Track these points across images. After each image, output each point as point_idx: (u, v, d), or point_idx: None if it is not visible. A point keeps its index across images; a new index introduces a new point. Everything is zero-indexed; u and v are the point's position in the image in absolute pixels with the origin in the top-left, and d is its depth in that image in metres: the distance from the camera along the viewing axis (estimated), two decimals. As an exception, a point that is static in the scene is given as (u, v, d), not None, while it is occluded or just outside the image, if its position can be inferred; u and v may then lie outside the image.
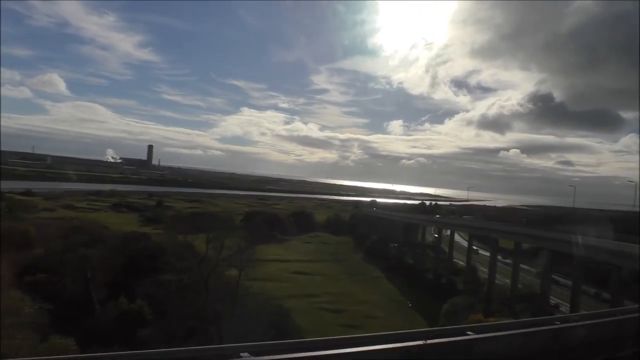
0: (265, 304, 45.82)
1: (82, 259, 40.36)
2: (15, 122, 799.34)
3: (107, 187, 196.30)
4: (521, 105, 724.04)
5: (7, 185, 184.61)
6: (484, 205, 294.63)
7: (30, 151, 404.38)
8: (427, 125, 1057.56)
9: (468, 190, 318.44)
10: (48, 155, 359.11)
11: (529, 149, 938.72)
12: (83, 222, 75.76)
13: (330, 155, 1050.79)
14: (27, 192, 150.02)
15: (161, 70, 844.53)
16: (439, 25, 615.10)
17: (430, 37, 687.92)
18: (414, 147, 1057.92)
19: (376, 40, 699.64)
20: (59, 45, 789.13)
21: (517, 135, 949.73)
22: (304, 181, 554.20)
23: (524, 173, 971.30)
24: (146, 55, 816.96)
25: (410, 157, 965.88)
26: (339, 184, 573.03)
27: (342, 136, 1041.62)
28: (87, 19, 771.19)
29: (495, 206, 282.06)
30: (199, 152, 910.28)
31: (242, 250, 53.51)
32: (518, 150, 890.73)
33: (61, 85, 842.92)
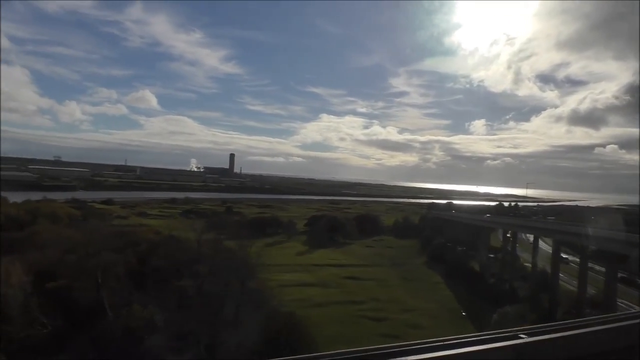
0: (278, 311, 42.67)
1: (96, 265, 39.53)
2: (113, 137, 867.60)
3: (183, 195, 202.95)
4: (617, 98, 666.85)
5: (96, 195, 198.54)
6: (575, 206, 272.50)
7: (123, 163, 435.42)
8: (511, 123, 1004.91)
9: (526, 187, 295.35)
10: (138, 167, 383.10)
11: (629, 144, 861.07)
12: (135, 229, 77.26)
13: (410, 158, 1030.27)
14: (108, 201, 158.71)
15: (244, 82, 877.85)
16: (521, 20, 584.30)
17: (512, 32, 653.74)
18: (498, 146, 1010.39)
19: (454, 39, 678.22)
20: (150, 63, 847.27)
21: (614, 130, 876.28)
22: (383, 185, 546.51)
23: (624, 170, 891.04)
24: (230, 68, 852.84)
25: (495, 157, 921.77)
26: (419, 187, 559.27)
27: (422, 138, 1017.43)
28: (176, 37, 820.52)
29: (588, 206, 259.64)
30: (280, 159, 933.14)
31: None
32: (616, 146, 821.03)
33: (153, 101, 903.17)
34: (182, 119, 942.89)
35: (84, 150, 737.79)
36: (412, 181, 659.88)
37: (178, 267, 45.36)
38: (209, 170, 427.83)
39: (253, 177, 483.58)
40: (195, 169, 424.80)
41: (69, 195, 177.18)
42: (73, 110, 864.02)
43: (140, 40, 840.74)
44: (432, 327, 51.01)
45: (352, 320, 53.29)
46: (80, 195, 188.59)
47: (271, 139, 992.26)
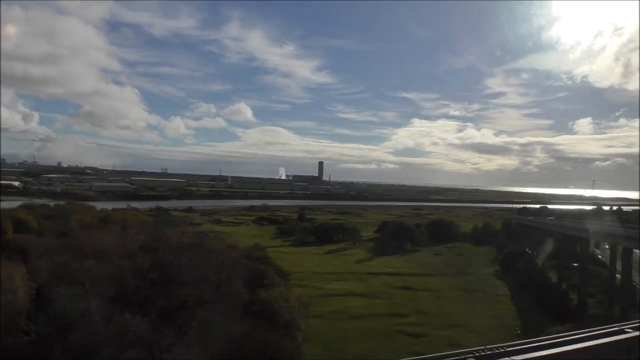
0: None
1: (85, 271, 38.33)
2: (214, 149, 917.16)
3: (263, 202, 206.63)
4: None
5: (185, 203, 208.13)
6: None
7: (218, 174, 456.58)
8: (622, 120, 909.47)
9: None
10: (229, 176, 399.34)
11: None
12: (188, 235, 77.64)
13: (509, 162, 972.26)
14: (188, 209, 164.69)
15: (336, 90, 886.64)
16: (630, 6, 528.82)
17: (620, 21, 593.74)
18: (609, 146, 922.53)
19: (552, 33, 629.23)
20: (247, 77, 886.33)
21: None
22: (477, 190, 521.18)
23: None
24: (322, 78, 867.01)
25: (606, 157, 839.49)
26: (519, 191, 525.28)
27: (521, 140, 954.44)
28: (270, 51, 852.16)
29: None
30: (373, 166, 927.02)
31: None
32: None
33: (248, 113, 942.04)
34: (276, 129, 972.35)
35: (187, 162, 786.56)
36: (511, 185, 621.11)
37: (176, 272, 43.14)
38: (297, 178, 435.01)
39: (342, 184, 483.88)
40: (284, 177, 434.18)
41: (159, 203, 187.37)
42: (178, 125, 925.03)
43: (237, 56, 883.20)
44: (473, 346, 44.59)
45: (386, 335, 48.39)
46: (168, 204, 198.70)
47: (363, 146, 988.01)
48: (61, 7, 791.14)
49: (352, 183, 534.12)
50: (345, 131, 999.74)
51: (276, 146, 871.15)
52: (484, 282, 75.21)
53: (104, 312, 33.63)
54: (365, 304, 59.77)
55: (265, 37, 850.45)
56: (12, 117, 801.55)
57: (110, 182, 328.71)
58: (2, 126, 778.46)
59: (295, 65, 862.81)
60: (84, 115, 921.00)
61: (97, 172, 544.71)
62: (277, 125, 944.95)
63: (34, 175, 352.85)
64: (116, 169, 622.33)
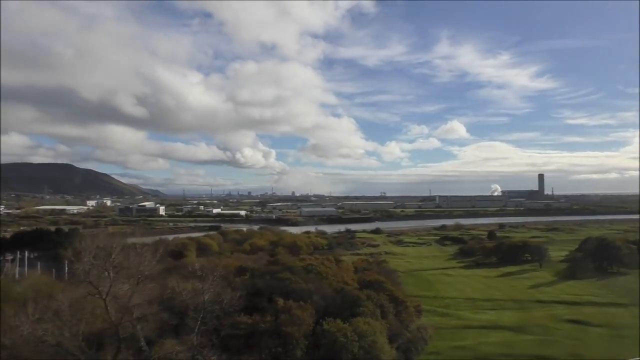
0: None
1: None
2: (430, 169, 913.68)
3: (455, 221, 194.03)
4: None
5: (387, 225, 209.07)
6: None
7: (428, 194, 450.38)
8: None
9: None
10: (436, 196, 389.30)
11: None
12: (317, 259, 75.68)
13: None
14: (376, 230, 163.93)
15: (560, 95, 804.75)
16: None
17: None
18: None
19: None
20: (459, 94, 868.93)
21: None
22: None
23: None
24: (543, 83, 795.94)
25: None
26: None
27: None
28: (483, 64, 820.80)
29: None
30: (613, 175, 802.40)
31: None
32: None
33: (462, 130, 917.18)
34: (494, 144, 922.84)
35: (403, 185, 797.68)
36: None
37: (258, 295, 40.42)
38: (513, 193, 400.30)
39: (569, 197, 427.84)
40: (497, 194, 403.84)
41: (354, 226, 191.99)
42: (393, 149, 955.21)
43: (448, 74, 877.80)
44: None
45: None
46: (366, 225, 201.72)
47: (598, 154, 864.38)
48: (283, 54, 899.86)
49: (582, 196, 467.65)
50: (576, 138, 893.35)
51: (495, 161, 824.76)
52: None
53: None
54: (505, 341, 48.45)
55: (476, 51, 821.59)
56: (255, 156, 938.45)
57: (324, 207, 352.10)
58: (247, 164, 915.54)
59: (510, 75, 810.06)
60: (310, 148, 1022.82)
61: (319, 199, 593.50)
62: (495, 139, 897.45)
63: (263, 205, 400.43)
64: (337, 195, 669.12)
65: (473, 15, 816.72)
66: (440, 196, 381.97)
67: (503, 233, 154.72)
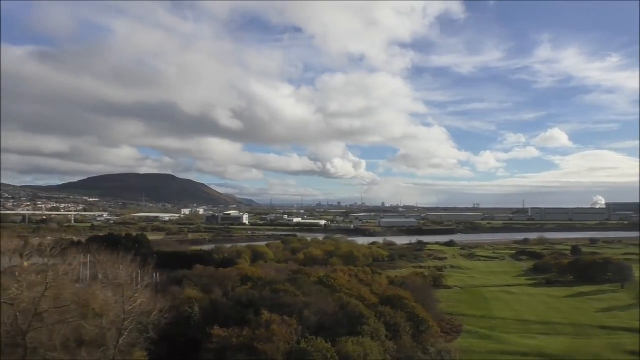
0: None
1: None
2: (528, 180, 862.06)
3: (539, 234, 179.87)
4: None
5: (465, 237, 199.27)
6: None
7: (521, 206, 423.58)
8: None
9: None
10: (529, 208, 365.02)
11: None
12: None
13: None
14: (449, 243, 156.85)
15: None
16: None
17: None
18: None
19: None
20: (562, 100, 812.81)
21: None
22: None
23: None
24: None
25: None
26: None
27: None
28: (589, 67, 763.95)
29: None
30: None
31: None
32: None
33: (563, 138, 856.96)
34: (601, 152, 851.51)
35: (498, 196, 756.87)
36: None
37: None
38: (619, 206, 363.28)
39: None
40: (598, 206, 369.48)
41: (429, 237, 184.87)
42: (487, 159, 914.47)
43: (550, 79, 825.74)
44: None
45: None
46: (444, 237, 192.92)
47: None
48: (371, 64, 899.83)
49: None
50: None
51: (601, 171, 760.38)
52: None
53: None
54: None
55: (581, 53, 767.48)
56: (345, 166, 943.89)
57: (407, 217, 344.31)
58: (337, 174, 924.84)
59: (621, 78, 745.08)
60: (400, 158, 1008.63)
61: (407, 210, 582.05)
62: (602, 147, 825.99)
63: (346, 215, 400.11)
64: (426, 205, 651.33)
65: (576, 15, 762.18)
66: (532, 208, 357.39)
67: (593, 248, 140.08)
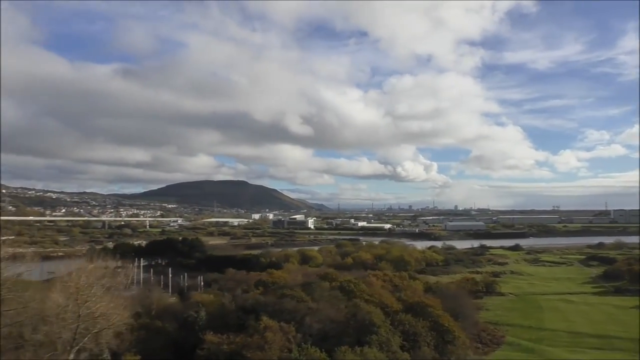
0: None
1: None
2: (615, 180, 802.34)
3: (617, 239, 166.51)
4: None
5: (535, 241, 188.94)
6: None
7: (603, 208, 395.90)
8: None
9: None
10: (612, 210, 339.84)
11: None
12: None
13: None
14: (514, 247, 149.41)
15: None
16: None
17: None
18: None
19: None
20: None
21: None
22: None
23: None
24: None
25: None
26: None
27: None
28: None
29: None
30: None
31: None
32: None
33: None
34: None
35: (582, 198, 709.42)
36: None
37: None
38: None
39: None
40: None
41: (497, 242, 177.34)
42: (568, 158, 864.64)
43: (636, 71, 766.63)
44: None
45: None
46: (513, 241, 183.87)
47: None
48: (440, 65, 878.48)
49: None
50: None
51: None
52: None
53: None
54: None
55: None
56: (416, 169, 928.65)
57: (477, 221, 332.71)
58: (408, 177, 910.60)
59: None
60: (474, 160, 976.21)
61: (481, 213, 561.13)
62: None
63: (414, 218, 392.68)
64: (501, 208, 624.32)
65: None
66: (615, 210, 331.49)
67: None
